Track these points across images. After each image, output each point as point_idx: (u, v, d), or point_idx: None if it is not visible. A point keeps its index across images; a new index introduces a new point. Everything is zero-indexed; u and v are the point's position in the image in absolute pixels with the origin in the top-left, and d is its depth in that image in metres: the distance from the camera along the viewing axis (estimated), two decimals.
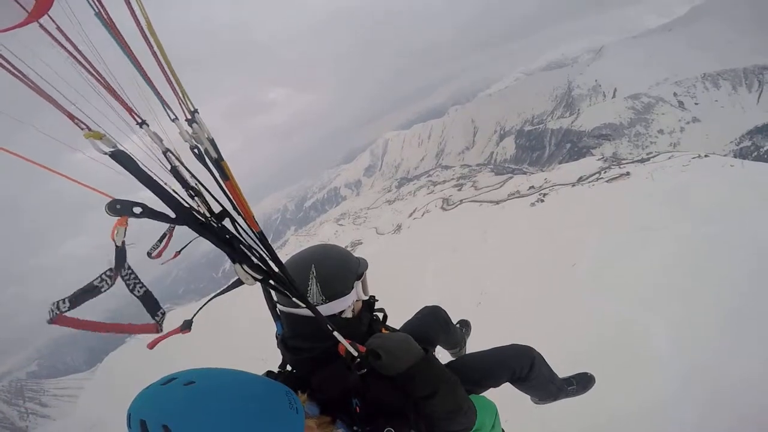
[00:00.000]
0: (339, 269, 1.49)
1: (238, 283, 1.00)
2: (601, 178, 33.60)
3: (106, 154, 0.77)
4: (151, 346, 1.04)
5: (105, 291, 0.84)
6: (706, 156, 31.20)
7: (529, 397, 2.46)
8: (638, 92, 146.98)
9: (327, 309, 1.43)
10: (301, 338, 1.43)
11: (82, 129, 0.80)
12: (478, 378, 1.93)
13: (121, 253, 0.84)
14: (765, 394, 5.19)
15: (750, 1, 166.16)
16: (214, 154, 0.93)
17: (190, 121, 0.98)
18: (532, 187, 41.30)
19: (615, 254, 13.96)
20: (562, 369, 2.55)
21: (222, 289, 1.13)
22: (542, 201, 33.73)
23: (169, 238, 1.27)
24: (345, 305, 1.48)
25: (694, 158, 30.84)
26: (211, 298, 1.19)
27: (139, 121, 0.89)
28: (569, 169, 43.49)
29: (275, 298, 1.50)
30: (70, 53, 0.80)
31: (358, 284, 1.54)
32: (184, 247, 1.71)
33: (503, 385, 2.08)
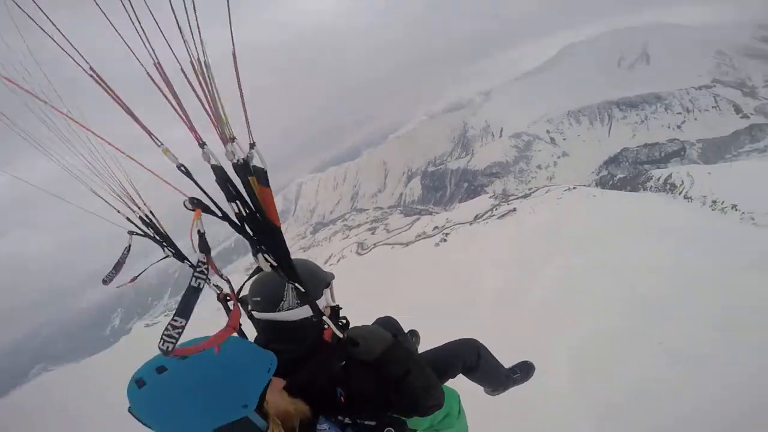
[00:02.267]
0: (310, 277, 1.65)
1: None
2: (494, 215, 37.08)
3: (178, 166, 1.04)
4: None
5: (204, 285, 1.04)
6: (574, 188, 36.74)
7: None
8: (519, 131, 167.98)
9: (301, 312, 1.55)
10: (279, 342, 1.51)
11: (158, 145, 1.04)
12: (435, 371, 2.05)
13: (203, 238, 1.04)
14: (645, 405, 5.99)
15: (607, 42, 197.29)
16: (262, 165, 1.14)
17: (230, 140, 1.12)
18: (437, 227, 43.84)
19: (507, 289, 15.16)
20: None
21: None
22: (445, 240, 35.98)
23: (120, 264, 1.65)
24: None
25: (565, 191, 36.04)
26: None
27: (201, 142, 1.07)
28: (467, 208, 47.47)
29: (249, 308, 1.63)
30: (165, 96, 1.00)
31: (327, 291, 1.72)
32: (141, 273, 2.05)
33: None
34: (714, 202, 23.26)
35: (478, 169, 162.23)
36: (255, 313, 1.63)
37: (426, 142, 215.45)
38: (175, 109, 0.99)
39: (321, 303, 1.66)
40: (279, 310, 1.56)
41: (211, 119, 1.05)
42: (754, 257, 11.36)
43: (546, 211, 28.49)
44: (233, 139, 1.08)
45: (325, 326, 1.47)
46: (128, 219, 2.03)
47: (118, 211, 2.01)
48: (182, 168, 1.04)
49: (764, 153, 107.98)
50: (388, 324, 2.42)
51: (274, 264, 1.22)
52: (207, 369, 1.08)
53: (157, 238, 2.06)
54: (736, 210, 21.19)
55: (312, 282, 1.64)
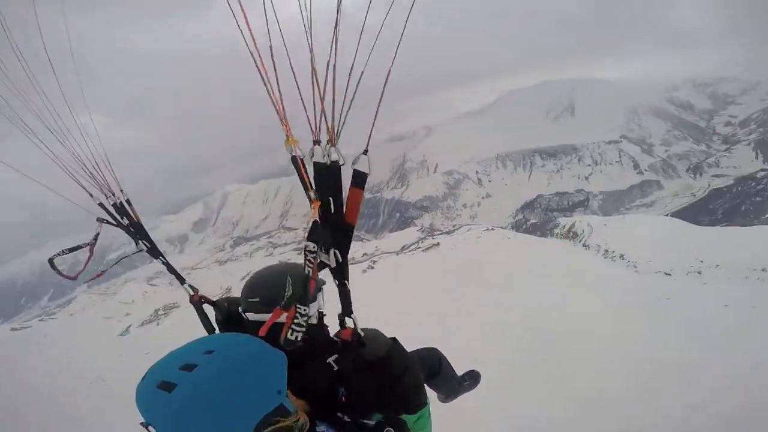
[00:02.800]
0: (309, 282, 1.59)
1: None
2: (419, 247, 38.24)
3: (295, 156, 1.17)
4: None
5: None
6: (492, 229, 39.37)
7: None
8: (452, 169, 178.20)
9: None
10: (275, 344, 1.44)
11: (287, 137, 1.16)
12: None
13: (315, 225, 1.20)
14: None
15: (541, 92, 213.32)
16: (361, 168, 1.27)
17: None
18: (365, 254, 43.96)
19: (427, 315, 15.54)
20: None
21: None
22: (372, 268, 36.10)
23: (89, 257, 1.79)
24: (312, 311, 1.60)
25: (484, 231, 38.37)
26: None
27: (315, 139, 1.20)
28: (396, 238, 48.36)
29: (243, 307, 1.60)
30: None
31: (320, 295, 1.69)
32: (112, 266, 2.40)
33: None
34: (606, 251, 26.39)
35: (410, 201, 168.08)
36: (250, 315, 1.59)
37: None
38: (277, 108, 1.12)
39: (316, 306, 1.67)
40: None
41: (310, 126, 1.17)
42: (635, 300, 12.92)
43: (466, 248, 29.98)
44: (327, 143, 1.20)
45: (345, 326, 1.46)
46: (101, 205, 1.92)
47: (91, 195, 1.87)
48: (300, 160, 1.18)
49: (651, 207, 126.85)
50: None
51: (340, 261, 1.27)
52: (239, 358, 1.03)
53: (131, 229, 1.97)
54: (623, 259, 24.28)
55: (308, 285, 1.53)
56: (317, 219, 1.17)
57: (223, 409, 0.94)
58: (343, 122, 1.21)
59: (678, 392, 6.96)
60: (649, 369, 8.10)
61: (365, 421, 1.41)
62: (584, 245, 29.05)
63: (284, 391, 1.08)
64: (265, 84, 1.10)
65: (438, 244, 37.59)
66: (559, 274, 18.54)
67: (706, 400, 6.46)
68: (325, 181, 1.23)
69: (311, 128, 1.19)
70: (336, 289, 1.38)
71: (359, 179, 1.27)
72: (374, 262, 37.98)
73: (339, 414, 1.40)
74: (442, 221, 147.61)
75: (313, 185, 1.22)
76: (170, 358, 1.06)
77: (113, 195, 1.94)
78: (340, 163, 1.22)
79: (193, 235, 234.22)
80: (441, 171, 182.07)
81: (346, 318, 1.43)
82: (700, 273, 19.95)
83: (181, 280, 2.06)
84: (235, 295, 1.92)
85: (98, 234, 1.99)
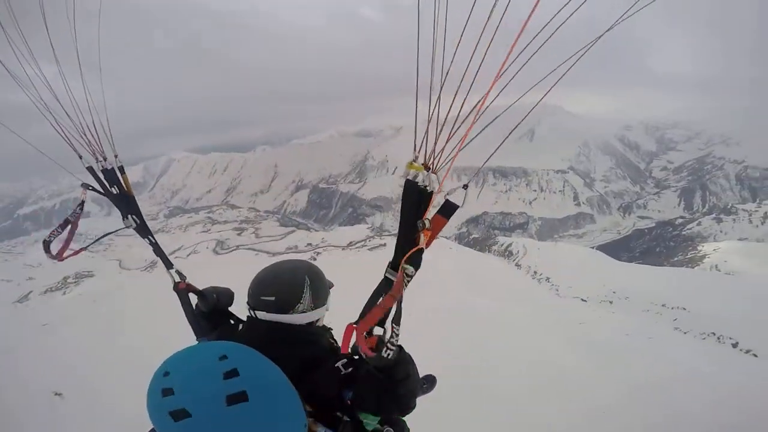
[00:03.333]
0: (323, 281, 1.67)
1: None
2: (366, 245, 38.64)
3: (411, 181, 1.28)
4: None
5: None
6: (438, 238, 40.90)
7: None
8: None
9: (310, 316, 1.58)
10: (286, 345, 1.48)
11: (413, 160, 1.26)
12: None
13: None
14: None
15: (509, 113, 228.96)
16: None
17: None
18: (309, 244, 43.25)
19: (354, 319, 15.72)
20: None
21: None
22: (314, 259, 35.69)
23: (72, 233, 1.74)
24: (321, 315, 1.65)
25: None
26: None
27: (425, 164, 1.27)
28: (344, 233, 48.18)
29: (253, 304, 1.55)
30: None
31: (329, 297, 1.71)
32: (94, 242, 2.30)
33: None
34: (535, 272, 28.30)
35: (365, 197, 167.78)
36: (260, 314, 1.55)
37: (326, 157, 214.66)
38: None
39: (325, 309, 1.68)
40: (293, 313, 1.53)
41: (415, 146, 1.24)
42: (553, 321, 13.97)
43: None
44: (428, 168, 1.24)
45: (372, 334, 1.47)
46: (89, 169, 1.75)
47: (80, 157, 1.71)
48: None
49: (581, 238, 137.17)
50: None
51: (410, 275, 1.28)
52: (275, 398, 1.02)
53: (119, 200, 1.80)
54: (548, 282, 26.22)
55: (324, 285, 1.66)
56: (423, 247, 1.24)
57: None
58: (449, 158, 1.27)
59: (579, 399, 8.01)
60: (556, 378, 8.94)
61: (366, 421, 1.47)
62: (517, 264, 31.04)
63: (305, 422, 1.09)
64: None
65: (385, 244, 38.19)
66: (491, 287, 19.59)
67: (607, 407, 7.34)
68: (413, 203, 1.29)
69: (423, 151, 1.26)
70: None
71: (448, 210, 1.30)
72: (318, 254, 37.68)
73: (338, 414, 1.42)
74: (393, 223, 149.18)
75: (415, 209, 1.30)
76: (209, 386, 0.96)
77: (104, 159, 1.76)
78: (435, 190, 1.28)
79: None
80: (399, 173, 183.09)
81: (377, 326, 1.44)
82: (611, 302, 22.13)
83: (168, 265, 1.94)
84: (221, 286, 1.88)
85: (83, 203, 1.80)
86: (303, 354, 1.49)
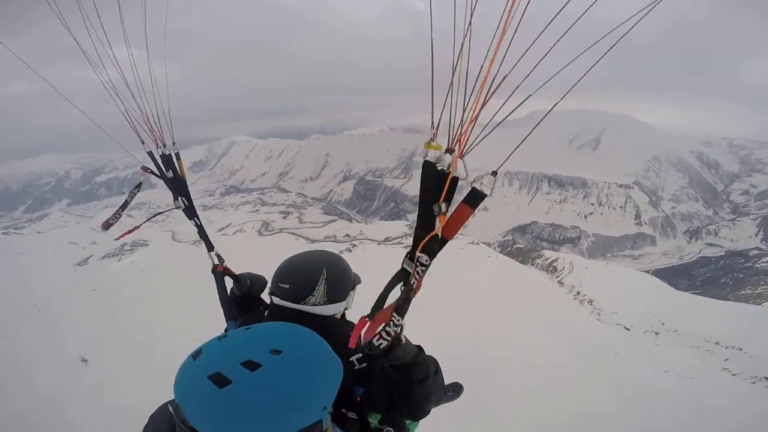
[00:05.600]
0: (344, 278, 1.63)
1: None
2: (401, 242, 38.40)
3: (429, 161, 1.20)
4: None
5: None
6: (477, 244, 39.54)
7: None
8: (457, 175, 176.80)
9: (325, 310, 1.56)
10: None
11: (431, 140, 1.18)
12: None
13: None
14: None
15: (571, 118, 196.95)
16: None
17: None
18: (348, 235, 43.80)
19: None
20: None
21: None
22: (350, 251, 35.92)
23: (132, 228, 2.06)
24: (338, 310, 1.62)
25: (469, 243, 38.54)
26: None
27: (448, 148, 1.21)
28: (383, 227, 48.35)
29: (272, 289, 1.58)
30: None
31: (351, 294, 1.69)
32: (144, 223, 2.22)
33: None
34: (578, 293, 26.41)
35: (408, 194, 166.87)
36: (276, 299, 1.58)
37: (375, 150, 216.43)
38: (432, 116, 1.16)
39: (344, 305, 1.65)
40: (305, 304, 1.54)
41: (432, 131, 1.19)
42: (585, 348, 12.94)
43: (446, 256, 29.74)
44: (452, 151, 1.17)
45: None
46: (150, 154, 1.90)
47: (143, 142, 1.86)
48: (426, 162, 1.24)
49: (637, 260, 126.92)
50: None
51: (425, 264, 1.25)
52: (303, 367, 1.00)
53: (172, 184, 1.93)
54: (591, 305, 24.37)
55: (343, 282, 1.64)
56: (438, 234, 1.18)
57: (267, 418, 0.90)
58: (475, 141, 1.16)
59: None
60: (572, 416, 8.20)
61: (369, 420, 1.45)
62: (559, 282, 29.16)
63: (330, 407, 1.04)
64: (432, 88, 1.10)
65: None
66: (526, 304, 18.54)
67: None
68: (431, 187, 1.21)
69: (447, 136, 1.17)
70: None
71: (475, 198, 1.20)
72: (353, 246, 38.00)
73: (343, 410, 1.40)
74: None
75: (437, 192, 1.20)
76: (231, 347, 0.98)
77: (164, 146, 1.90)
78: (461, 177, 1.19)
79: (189, 174, 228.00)
80: None
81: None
82: (657, 334, 20.11)
83: (210, 247, 2.02)
84: (258, 273, 1.94)
85: (141, 183, 1.98)
86: None
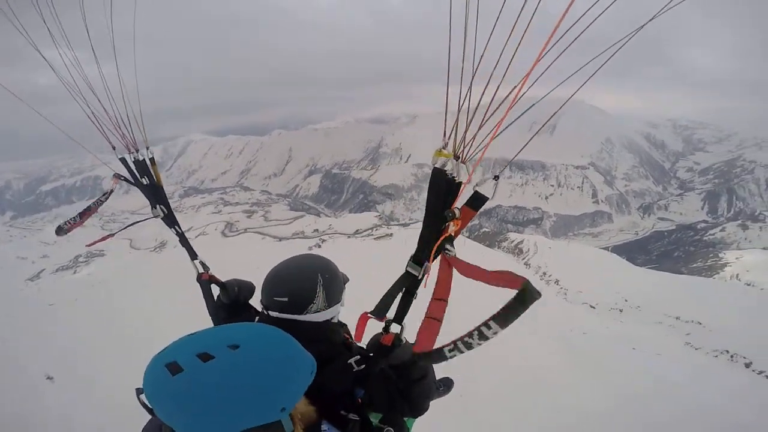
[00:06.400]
0: (337, 279, 1.60)
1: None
2: (372, 234, 38.17)
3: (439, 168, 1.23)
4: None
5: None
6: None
7: None
8: (423, 162, 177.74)
9: (325, 315, 1.54)
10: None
11: (442, 148, 1.21)
12: None
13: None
14: None
15: (524, 106, 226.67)
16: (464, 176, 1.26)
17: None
18: (316, 230, 43.04)
19: (356, 304, 15.44)
20: None
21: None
22: (320, 246, 35.30)
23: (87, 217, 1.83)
24: (337, 312, 1.61)
25: None
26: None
27: (455, 155, 1.25)
28: (352, 220, 47.81)
29: (266, 303, 1.53)
30: None
31: (344, 294, 1.67)
32: (121, 230, 2.21)
33: None
34: (544, 273, 27.28)
35: (376, 185, 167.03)
36: (272, 313, 1.50)
37: (340, 143, 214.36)
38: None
39: (340, 306, 1.63)
40: (307, 313, 1.49)
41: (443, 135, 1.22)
42: (555, 328, 13.23)
43: (416, 244, 30.18)
44: (457, 158, 1.21)
45: (389, 331, 1.43)
46: (122, 160, 1.82)
47: (114, 148, 1.78)
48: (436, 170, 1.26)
49: (596, 237, 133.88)
50: None
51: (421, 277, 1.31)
52: (259, 364, 0.99)
53: (149, 191, 1.85)
54: (557, 284, 25.25)
55: (337, 283, 1.60)
56: (452, 234, 1.22)
57: (214, 409, 0.92)
58: (479, 148, 1.21)
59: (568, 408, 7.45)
60: (546, 390, 8.36)
61: (371, 419, 1.42)
62: (526, 263, 30.01)
63: (289, 409, 1.02)
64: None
65: (391, 234, 37.63)
66: (495, 288, 18.76)
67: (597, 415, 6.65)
68: (440, 192, 1.24)
69: (453, 140, 1.22)
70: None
71: (478, 202, 1.24)
72: (323, 241, 37.40)
73: (343, 412, 1.37)
74: (403, 212, 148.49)
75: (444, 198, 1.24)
76: (193, 340, 1.01)
77: (136, 151, 1.82)
78: (464, 180, 1.22)
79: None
80: (413, 162, 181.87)
81: (394, 323, 1.43)
82: (621, 311, 21.09)
83: (193, 255, 1.95)
84: (244, 279, 1.86)
85: (111, 191, 1.90)
86: (314, 351, 1.33)
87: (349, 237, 38.06)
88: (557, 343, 11.98)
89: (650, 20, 1.05)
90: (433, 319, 1.33)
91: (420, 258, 1.33)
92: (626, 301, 21.62)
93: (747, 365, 15.09)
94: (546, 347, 11.53)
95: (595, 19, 0.98)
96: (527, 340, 11.84)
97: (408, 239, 33.67)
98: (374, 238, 35.84)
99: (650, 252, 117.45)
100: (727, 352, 15.88)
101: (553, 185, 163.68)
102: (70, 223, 1.80)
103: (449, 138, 1.23)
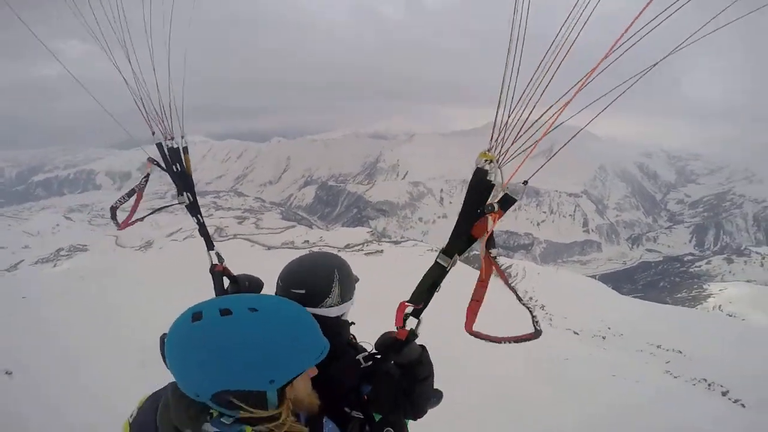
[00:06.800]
0: (351, 276, 1.68)
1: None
2: (362, 250, 38.06)
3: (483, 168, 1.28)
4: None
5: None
6: (435, 251, 40.18)
7: None
8: (419, 180, 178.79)
9: (339, 310, 1.60)
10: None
11: (488, 150, 1.29)
12: None
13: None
14: None
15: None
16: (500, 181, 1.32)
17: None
18: (307, 241, 42.82)
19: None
20: None
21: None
22: None
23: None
24: (348, 308, 1.67)
25: (428, 250, 39.04)
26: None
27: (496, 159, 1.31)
28: (343, 234, 47.65)
29: (283, 296, 1.54)
30: None
31: (354, 293, 1.73)
32: (149, 214, 2.19)
33: None
34: (531, 298, 27.29)
35: (371, 200, 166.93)
36: None
37: (338, 155, 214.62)
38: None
39: (350, 304, 1.67)
40: (322, 306, 1.54)
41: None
42: (536, 353, 13.17)
43: (406, 263, 29.95)
44: (492, 161, 1.28)
45: (405, 326, 1.47)
46: (158, 146, 1.89)
47: (153, 133, 1.84)
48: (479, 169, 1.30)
49: (584, 265, 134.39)
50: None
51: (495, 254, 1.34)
52: (265, 330, 1.04)
53: (178, 178, 1.91)
54: (543, 309, 25.26)
55: (351, 280, 1.67)
56: (492, 230, 1.29)
57: (208, 362, 0.97)
58: (513, 154, 1.28)
59: None
60: (525, 417, 8.26)
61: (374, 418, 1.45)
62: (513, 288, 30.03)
63: (278, 383, 1.03)
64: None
65: (382, 251, 37.51)
66: (481, 311, 18.75)
67: None
68: (479, 189, 1.30)
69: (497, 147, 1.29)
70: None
71: (507, 203, 1.29)
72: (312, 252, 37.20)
73: (347, 409, 1.41)
74: (395, 229, 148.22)
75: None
76: (228, 298, 1.09)
77: (172, 139, 1.88)
78: (497, 182, 1.28)
79: (137, 174, 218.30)
80: (409, 180, 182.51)
81: (411, 317, 1.45)
82: (604, 338, 21.15)
83: (210, 245, 2.00)
84: (254, 275, 1.92)
85: (148, 175, 1.97)
86: (333, 344, 1.41)
87: (339, 251, 37.87)
88: (538, 366, 11.94)
89: (674, 51, 1.10)
90: (476, 301, 1.44)
91: (451, 250, 1.38)
92: (609, 328, 21.71)
93: (723, 393, 15.22)
94: (526, 371, 11.49)
95: (631, 48, 1.06)
96: (508, 363, 11.78)
97: (399, 257, 33.55)
98: (364, 254, 35.69)
99: (636, 282, 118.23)
100: (705, 380, 16.01)
101: (545, 212, 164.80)
102: (121, 201, 1.99)
103: (495, 141, 1.32)
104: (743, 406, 14.03)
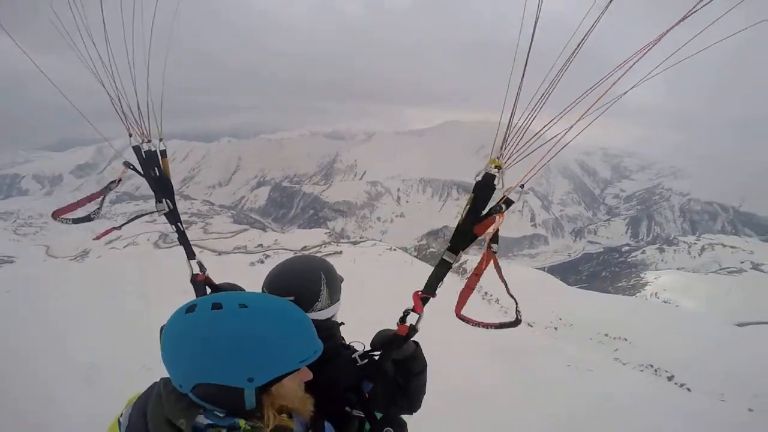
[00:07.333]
0: (337, 277, 1.67)
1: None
2: (320, 251, 37.46)
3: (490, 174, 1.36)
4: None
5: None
6: (394, 250, 40.36)
7: None
8: (377, 180, 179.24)
9: (329, 312, 1.60)
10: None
11: (498, 157, 1.37)
12: None
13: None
14: None
15: (480, 130, 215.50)
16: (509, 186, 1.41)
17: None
18: (260, 245, 41.38)
19: None
20: None
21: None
22: (262, 262, 33.81)
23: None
24: (337, 309, 1.68)
25: (387, 249, 39.14)
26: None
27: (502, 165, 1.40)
28: (300, 236, 46.68)
29: None
30: None
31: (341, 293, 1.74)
32: (126, 223, 2.10)
33: None
34: (486, 293, 28.22)
35: (328, 201, 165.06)
36: None
37: (294, 156, 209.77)
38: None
39: (339, 305, 1.68)
40: (312, 311, 1.54)
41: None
42: (492, 345, 13.61)
43: (366, 263, 29.96)
44: (500, 167, 1.37)
45: (404, 322, 1.50)
46: (135, 148, 1.80)
47: (130, 135, 1.77)
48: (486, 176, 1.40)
49: (533, 258, 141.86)
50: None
51: (496, 249, 1.43)
52: (249, 328, 1.04)
53: (156, 184, 1.82)
54: (498, 303, 26.25)
55: (337, 281, 1.67)
56: (498, 227, 1.38)
57: (191, 354, 0.99)
58: (515, 158, 1.39)
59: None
60: (485, 408, 8.41)
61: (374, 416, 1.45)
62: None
63: (258, 381, 1.03)
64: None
65: (341, 252, 37.15)
66: (438, 306, 19.10)
67: None
68: (486, 192, 1.39)
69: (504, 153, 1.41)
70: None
71: (506, 205, 1.38)
72: (267, 256, 35.93)
73: (347, 409, 1.42)
74: (354, 229, 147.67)
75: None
76: (225, 294, 1.11)
77: (149, 141, 1.78)
78: (499, 186, 1.36)
79: (70, 178, 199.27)
80: (367, 179, 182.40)
81: (413, 311, 1.48)
82: (556, 329, 22.35)
83: (191, 255, 1.90)
84: (232, 282, 1.83)
85: (119, 181, 1.88)
86: (328, 346, 1.43)
87: (295, 253, 36.90)
88: (494, 358, 12.30)
89: (641, 81, 1.29)
90: (469, 288, 1.54)
91: (456, 247, 1.45)
92: (560, 319, 22.99)
93: (669, 378, 16.54)
94: (483, 363, 11.79)
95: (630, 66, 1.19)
96: (466, 356, 12.03)
97: (358, 257, 33.36)
98: (323, 255, 35.11)
99: (581, 272, 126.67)
100: (651, 366, 17.30)
101: None
102: (96, 214, 1.84)
103: (503, 149, 1.40)
104: (689, 390, 15.34)
